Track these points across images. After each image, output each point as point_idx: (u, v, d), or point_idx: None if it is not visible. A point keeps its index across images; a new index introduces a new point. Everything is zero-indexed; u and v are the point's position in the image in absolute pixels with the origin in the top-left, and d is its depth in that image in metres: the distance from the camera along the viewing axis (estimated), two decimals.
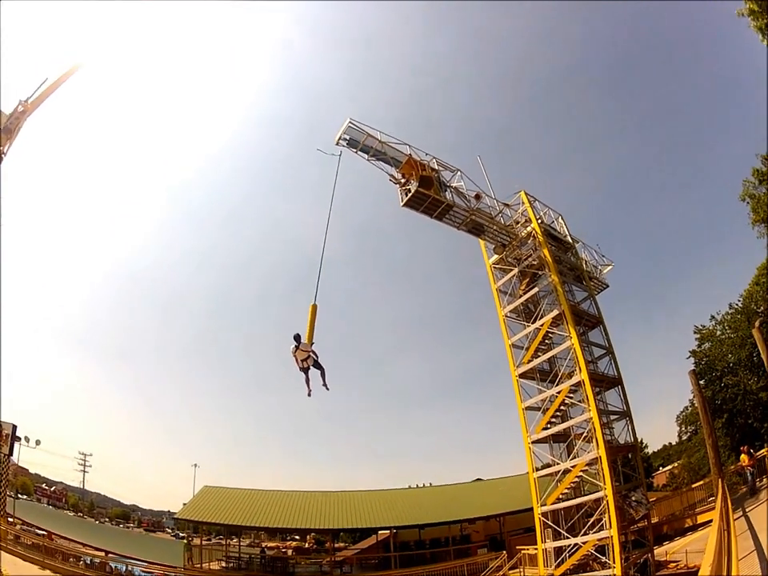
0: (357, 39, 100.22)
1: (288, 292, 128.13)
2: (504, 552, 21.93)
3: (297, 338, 10.88)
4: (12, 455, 27.61)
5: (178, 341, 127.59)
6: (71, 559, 25.96)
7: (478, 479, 39.27)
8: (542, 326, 19.00)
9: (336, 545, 35.67)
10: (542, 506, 18.62)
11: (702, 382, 26.44)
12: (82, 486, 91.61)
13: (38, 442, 34.10)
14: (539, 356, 19.18)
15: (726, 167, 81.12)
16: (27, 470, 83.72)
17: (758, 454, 20.59)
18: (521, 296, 19.61)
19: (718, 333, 29.17)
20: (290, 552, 39.70)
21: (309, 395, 11.25)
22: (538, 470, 19.39)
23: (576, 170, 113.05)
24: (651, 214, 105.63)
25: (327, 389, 11.33)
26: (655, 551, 21.05)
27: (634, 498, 20.59)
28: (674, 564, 24.53)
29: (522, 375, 19.27)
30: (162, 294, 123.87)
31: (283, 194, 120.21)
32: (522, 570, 20.28)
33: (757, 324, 21.17)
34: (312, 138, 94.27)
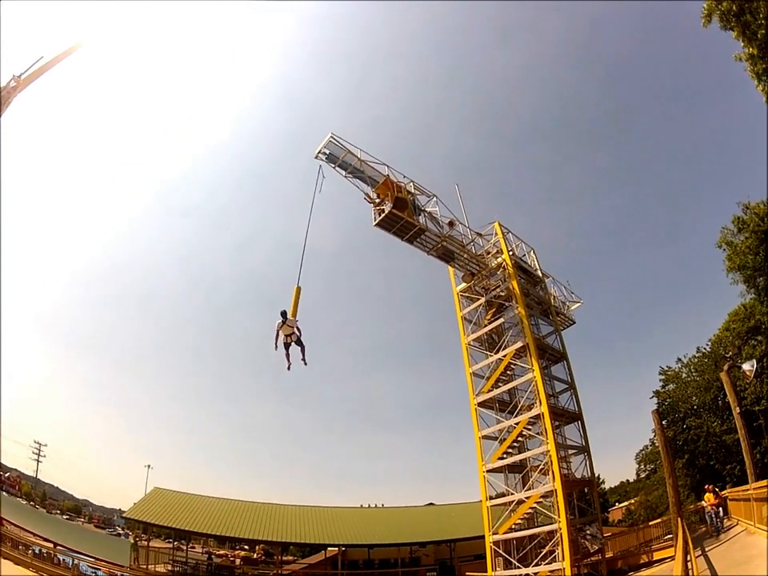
0: (352, 56, 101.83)
1: (254, 301, 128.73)
2: None
3: (283, 314, 11.50)
4: None
5: (144, 340, 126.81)
6: (20, 547, 24.91)
7: (431, 504, 39.09)
8: (504, 356, 19.12)
9: (284, 558, 35.04)
10: (493, 534, 18.56)
11: (664, 422, 26.67)
12: (35, 476, 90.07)
13: None
14: (500, 386, 19.27)
15: (704, 218, 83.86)
16: None
17: (722, 493, 19.73)
18: (486, 325, 19.73)
19: (684, 375, 29.57)
20: (237, 561, 38.89)
21: (288, 369, 11.93)
22: (491, 498, 19.34)
23: (554, 213, 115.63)
24: (625, 262, 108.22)
25: (305, 364, 12.03)
26: None
27: (588, 532, 20.65)
28: None
29: (481, 404, 19.30)
30: (133, 291, 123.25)
31: (267, 197, 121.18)
32: None
33: (725, 368, 21.40)
34: (298, 146, 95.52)
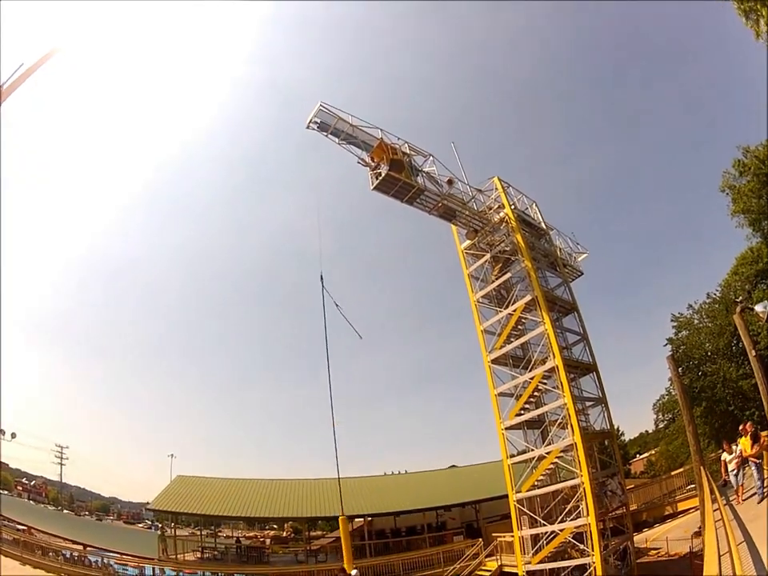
0: (340, 26, 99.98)
1: (263, 287, 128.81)
2: (480, 539, 21.67)
3: None
4: None
5: (154, 333, 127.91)
6: (50, 554, 25.93)
7: (453, 466, 38.96)
8: (514, 311, 18.82)
9: (312, 533, 35.10)
10: (517, 492, 18.39)
11: (679, 370, 26.42)
12: (60, 480, 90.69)
13: (13, 435, 33.48)
14: (512, 342, 19.01)
15: (707, 163, 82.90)
16: (8, 464, 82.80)
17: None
18: (493, 281, 19.41)
19: (696, 321, 29.28)
20: (267, 541, 39.37)
21: None
22: (512, 456, 19.15)
23: (555, 166, 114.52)
24: (628, 213, 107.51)
25: None
26: (635, 538, 20.92)
27: (610, 486, 20.45)
28: (655, 551, 24.40)
29: (495, 361, 19.05)
30: (139, 288, 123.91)
31: (262, 185, 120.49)
32: (498, 557, 20.02)
33: (738, 310, 21.03)
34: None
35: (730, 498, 13.19)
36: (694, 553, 17.44)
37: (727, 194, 27.57)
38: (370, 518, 26.52)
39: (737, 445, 12.57)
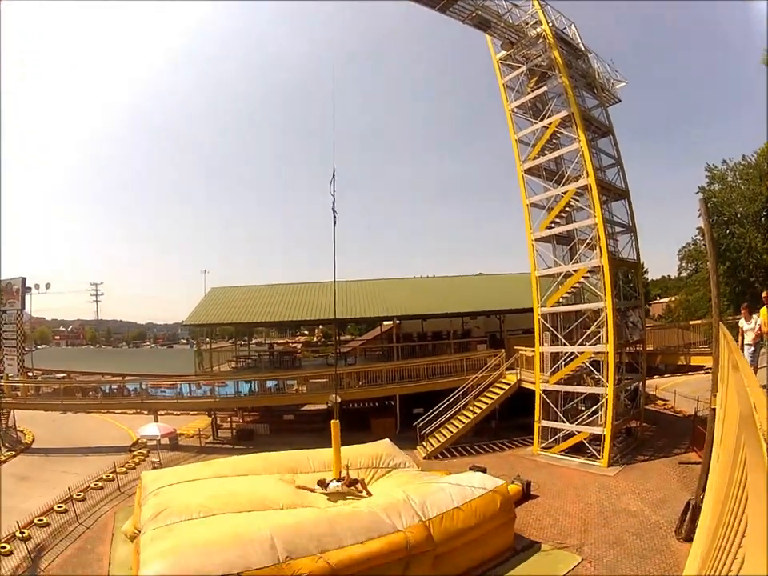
0: None
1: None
2: (502, 350, 21.99)
3: None
4: (25, 308, 27.25)
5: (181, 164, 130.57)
6: (90, 393, 26.87)
7: (480, 274, 38.27)
8: (549, 124, 18.13)
9: (342, 337, 35.55)
10: (542, 306, 18.44)
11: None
12: (96, 318, 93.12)
13: (47, 286, 33.90)
14: (546, 154, 18.40)
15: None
16: (44, 318, 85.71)
17: None
18: (529, 93, 18.51)
19: (729, 179, 28.35)
20: (298, 347, 40.61)
21: None
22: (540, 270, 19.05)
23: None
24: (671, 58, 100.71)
25: None
26: (646, 382, 21.20)
27: (632, 317, 20.49)
28: (663, 402, 25.01)
29: (528, 171, 18.64)
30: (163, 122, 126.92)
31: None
32: (518, 371, 20.45)
33: None
34: None
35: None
36: (699, 417, 17.76)
37: None
38: (398, 321, 26.54)
39: (757, 315, 10.89)
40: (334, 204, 13.00)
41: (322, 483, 12.60)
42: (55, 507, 14.19)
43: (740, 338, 11.05)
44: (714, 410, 10.49)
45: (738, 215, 27.27)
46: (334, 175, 13.04)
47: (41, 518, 13.45)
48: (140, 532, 10.13)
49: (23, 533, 12.32)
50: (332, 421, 13.57)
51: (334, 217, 13.06)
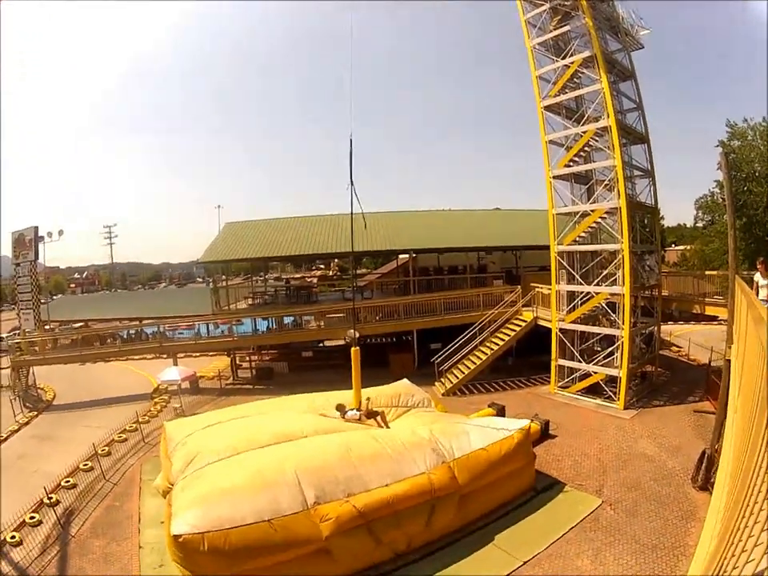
0: None
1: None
2: (519, 287, 22.01)
3: None
4: (38, 258, 26.46)
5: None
6: (108, 340, 26.53)
7: (497, 209, 37.35)
8: (571, 63, 18.07)
9: (358, 271, 35.37)
10: (558, 244, 18.70)
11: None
12: (111, 261, 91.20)
13: (60, 233, 34.08)
14: (566, 93, 18.43)
15: None
16: (58, 267, 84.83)
17: None
18: (551, 31, 18.51)
19: (749, 137, 28.17)
20: (314, 281, 40.15)
21: None
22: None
23: None
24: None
25: None
26: (661, 328, 21.43)
27: (648, 261, 20.66)
28: (677, 349, 25.25)
29: (548, 108, 18.50)
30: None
31: None
32: (534, 309, 20.73)
33: None
34: None
35: None
36: (713, 367, 17.80)
37: None
38: (414, 255, 26.35)
39: None
40: (351, 173, 13.01)
41: (341, 409, 12.74)
42: (81, 466, 13.94)
43: (754, 291, 11.27)
44: (729, 361, 10.65)
45: (756, 173, 27.15)
46: (351, 143, 13.06)
47: (68, 479, 13.13)
48: (173, 486, 10.00)
49: (51, 498, 12.05)
50: (352, 348, 13.65)
51: (352, 188, 13.04)
